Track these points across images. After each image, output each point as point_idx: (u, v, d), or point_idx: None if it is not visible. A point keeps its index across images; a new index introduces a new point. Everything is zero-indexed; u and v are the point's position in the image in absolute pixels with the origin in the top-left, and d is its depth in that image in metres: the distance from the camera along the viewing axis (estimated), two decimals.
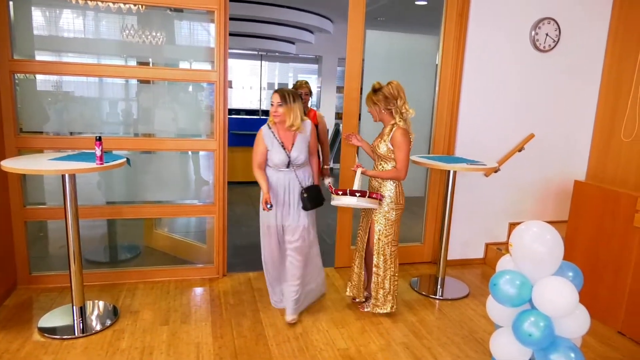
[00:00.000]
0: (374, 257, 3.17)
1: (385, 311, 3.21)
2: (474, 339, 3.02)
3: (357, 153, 3.88)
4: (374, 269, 3.18)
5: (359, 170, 3.11)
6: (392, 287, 3.19)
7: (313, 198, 3.06)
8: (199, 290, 3.56)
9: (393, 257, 3.18)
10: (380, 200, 3.08)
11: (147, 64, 3.82)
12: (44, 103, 3.56)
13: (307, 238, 3.13)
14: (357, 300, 3.43)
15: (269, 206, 2.91)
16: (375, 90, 3.09)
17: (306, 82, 4.15)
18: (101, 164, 2.71)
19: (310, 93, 4.15)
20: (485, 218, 4.32)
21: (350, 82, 3.81)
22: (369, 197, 2.99)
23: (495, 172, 4.14)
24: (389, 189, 3.11)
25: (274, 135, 3.03)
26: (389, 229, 3.13)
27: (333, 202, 3.05)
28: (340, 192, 2.97)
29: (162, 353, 2.70)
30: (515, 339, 2.30)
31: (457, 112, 4.03)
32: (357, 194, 2.95)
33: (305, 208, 3.06)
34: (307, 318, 3.18)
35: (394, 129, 3.03)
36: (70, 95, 3.69)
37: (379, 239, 3.14)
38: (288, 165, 3.02)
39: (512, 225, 4.32)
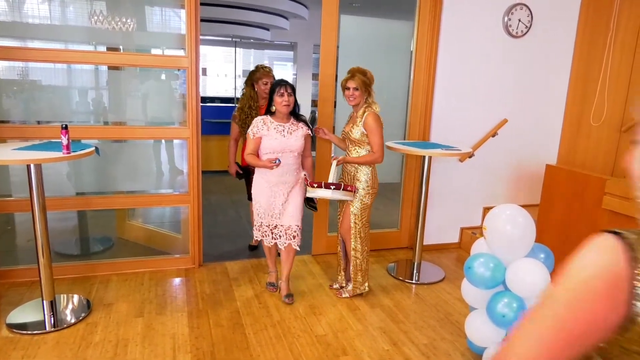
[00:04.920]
0: (352, 241, 3.21)
1: (364, 291, 3.30)
2: (450, 322, 3.07)
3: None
4: (352, 253, 3.23)
5: (334, 163, 3.16)
6: (367, 267, 3.31)
7: None
8: (174, 281, 3.51)
9: (367, 239, 3.24)
10: (355, 192, 3.13)
11: (117, 50, 3.70)
12: (8, 91, 3.42)
13: None
14: (334, 286, 3.44)
15: None
16: (365, 72, 3.09)
17: (262, 67, 3.73)
18: (68, 153, 2.62)
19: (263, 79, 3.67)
20: (460, 203, 4.37)
21: (325, 69, 3.77)
22: (343, 189, 3.07)
23: (470, 157, 4.18)
24: (365, 173, 3.14)
25: None
26: (363, 213, 3.17)
27: (308, 194, 3.10)
28: (315, 185, 3.04)
29: (137, 345, 2.65)
30: (489, 320, 2.34)
31: (432, 98, 4.04)
32: (332, 187, 3.03)
33: None
34: (285, 306, 3.17)
35: (366, 113, 3.06)
36: (37, 84, 3.55)
37: (355, 222, 3.18)
38: None
39: (486, 210, 4.38)
